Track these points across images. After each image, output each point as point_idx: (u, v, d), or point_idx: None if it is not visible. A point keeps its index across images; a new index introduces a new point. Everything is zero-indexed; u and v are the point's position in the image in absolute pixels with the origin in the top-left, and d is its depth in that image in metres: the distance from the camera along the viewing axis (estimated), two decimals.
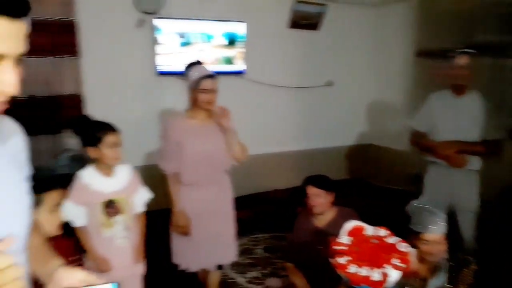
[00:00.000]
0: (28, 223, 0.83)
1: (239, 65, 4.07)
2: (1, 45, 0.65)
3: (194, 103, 2.25)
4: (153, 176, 2.37)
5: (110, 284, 0.79)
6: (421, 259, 1.78)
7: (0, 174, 0.76)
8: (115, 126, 1.90)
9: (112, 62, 3.57)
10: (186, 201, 2.29)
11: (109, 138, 1.86)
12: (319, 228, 2.26)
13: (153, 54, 3.69)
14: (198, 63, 2.30)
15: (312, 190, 2.24)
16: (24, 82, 0.72)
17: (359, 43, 4.87)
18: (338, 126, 4.92)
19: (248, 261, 3.21)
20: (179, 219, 2.26)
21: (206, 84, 2.18)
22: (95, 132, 1.85)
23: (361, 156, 5.02)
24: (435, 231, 1.76)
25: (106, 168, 1.90)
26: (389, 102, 4.83)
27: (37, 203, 1.47)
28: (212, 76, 2.22)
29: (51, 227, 1.60)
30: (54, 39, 3.21)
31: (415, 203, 1.92)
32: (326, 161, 4.54)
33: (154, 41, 3.65)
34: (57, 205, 1.63)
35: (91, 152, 1.86)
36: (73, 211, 1.81)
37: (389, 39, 4.74)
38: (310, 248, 2.19)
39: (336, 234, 1.60)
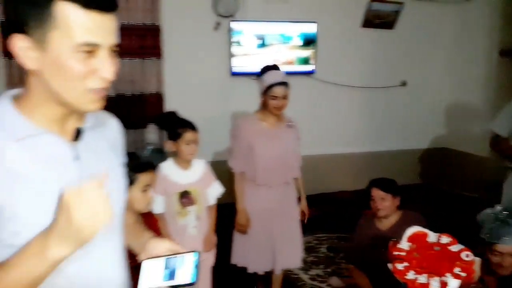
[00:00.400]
0: (124, 202, 0.97)
1: (309, 65, 4.12)
2: (95, 36, 0.73)
3: (265, 107, 2.31)
4: (219, 172, 2.45)
5: (192, 252, 0.90)
6: (490, 271, 1.72)
7: (101, 158, 0.91)
8: (195, 125, 2.08)
9: (189, 63, 3.81)
10: (252, 201, 2.36)
11: (187, 135, 2.05)
12: (381, 231, 2.26)
13: (228, 55, 3.88)
14: (274, 67, 2.35)
15: (377, 193, 2.25)
16: (114, 81, 0.79)
17: (437, 42, 4.65)
18: (411, 128, 4.76)
19: (311, 258, 3.27)
20: (241, 218, 2.34)
21: (278, 91, 2.23)
22: (176, 128, 2.05)
23: (435, 160, 4.80)
24: (508, 243, 1.69)
25: (183, 162, 2.10)
26: (468, 104, 4.56)
27: (131, 182, 1.52)
28: (285, 83, 2.26)
29: (142, 205, 1.72)
30: (141, 42, 3.54)
31: (488, 211, 1.85)
32: (397, 164, 4.42)
33: (230, 43, 3.84)
34: (148, 185, 1.75)
35: (171, 146, 2.07)
36: (154, 199, 2.03)
37: (471, 38, 4.46)
38: (371, 251, 2.20)
39: (397, 239, 1.61)
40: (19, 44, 0.73)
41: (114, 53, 0.78)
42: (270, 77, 2.26)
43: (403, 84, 4.62)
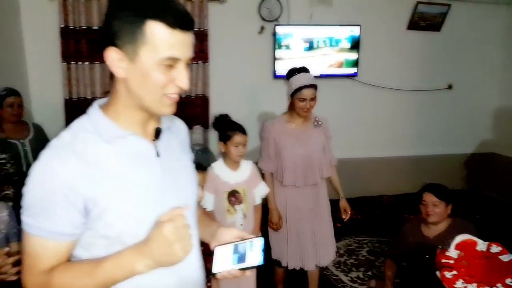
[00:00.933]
0: (197, 196, 1.09)
1: (352, 68, 4.12)
2: (177, 51, 0.84)
3: (292, 108, 2.34)
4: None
5: (259, 237, 0.99)
6: None
7: (176, 155, 1.02)
8: (244, 128, 2.17)
9: (234, 66, 3.91)
10: (282, 201, 2.41)
11: (236, 138, 2.14)
12: (427, 238, 2.24)
13: (272, 58, 3.94)
14: (302, 70, 2.35)
15: (430, 198, 2.20)
16: None
17: (485, 44, 4.51)
18: (457, 132, 4.64)
19: (352, 261, 3.29)
20: (273, 216, 2.39)
21: (306, 93, 2.24)
22: (227, 130, 2.15)
23: (482, 165, 4.65)
24: None
25: (232, 163, 2.20)
26: None
27: None
28: (313, 86, 2.26)
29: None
30: None
31: None
32: (441, 169, 4.34)
33: (274, 46, 3.90)
34: (200, 184, 1.87)
35: (221, 146, 2.17)
36: (206, 197, 2.14)
37: None
38: (415, 256, 2.19)
39: (444, 246, 1.61)
40: (113, 55, 0.86)
41: (187, 65, 0.89)
42: (298, 80, 2.28)
43: (449, 87, 4.52)
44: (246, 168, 2.24)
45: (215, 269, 0.96)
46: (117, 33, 0.84)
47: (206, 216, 1.22)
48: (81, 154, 0.86)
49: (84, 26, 3.43)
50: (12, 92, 2.69)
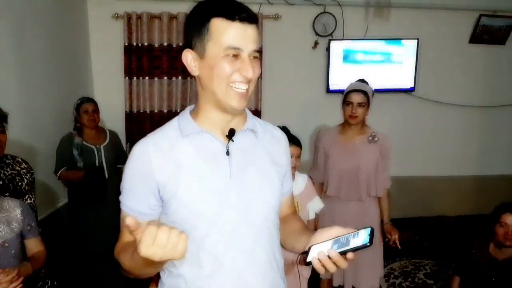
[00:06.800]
0: (277, 202, 1.08)
1: (408, 82, 3.99)
2: (237, 41, 0.92)
3: (343, 118, 2.31)
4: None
5: (365, 229, 0.86)
6: None
7: (249, 157, 1.04)
8: (299, 140, 2.16)
9: (287, 80, 3.93)
10: (326, 212, 2.32)
11: (290, 150, 2.11)
12: (496, 260, 2.10)
13: (326, 73, 3.92)
14: (360, 80, 2.33)
15: (510, 220, 2.06)
16: None
17: None
18: None
19: (407, 284, 3.12)
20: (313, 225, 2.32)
21: (353, 97, 2.21)
22: None
23: None
24: None
25: None
26: None
27: None
28: (361, 91, 2.20)
29: None
30: None
31: None
32: (507, 191, 4.04)
33: (328, 61, 3.89)
34: None
35: None
36: None
37: None
38: (482, 278, 2.05)
39: None
40: (187, 56, 0.98)
41: (254, 59, 0.96)
42: (350, 86, 2.29)
43: None
44: (301, 181, 2.21)
45: (310, 257, 0.89)
46: (190, 36, 0.97)
47: (307, 229, 1.12)
48: (159, 145, 0.99)
49: (146, 44, 3.62)
50: (87, 99, 2.91)
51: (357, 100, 2.21)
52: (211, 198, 0.97)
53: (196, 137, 1.01)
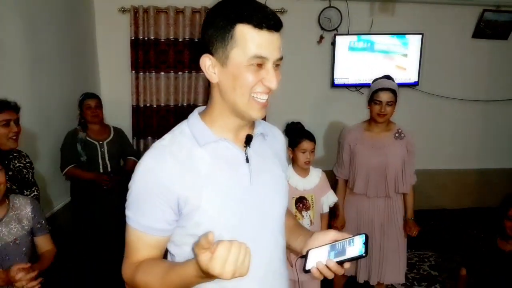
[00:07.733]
0: (285, 206, 1.08)
1: (412, 76, 4.03)
2: (263, 50, 0.86)
3: (371, 116, 2.31)
4: None
5: (360, 235, 0.91)
6: None
7: (266, 162, 1.03)
8: (313, 135, 2.20)
9: (292, 75, 3.91)
10: (353, 210, 2.38)
11: (303, 144, 2.17)
12: (503, 252, 2.15)
13: (331, 68, 3.95)
14: (385, 76, 2.34)
15: None
16: None
17: None
18: None
19: (413, 275, 3.18)
20: (338, 222, 2.38)
21: (382, 96, 2.20)
22: (295, 137, 2.18)
23: None
24: None
25: (301, 169, 2.22)
26: None
27: None
28: (390, 89, 2.21)
29: None
30: None
31: None
32: (509, 183, 4.11)
33: (333, 56, 3.91)
34: None
35: (289, 153, 2.21)
36: None
37: None
38: (489, 270, 2.10)
39: None
40: (206, 62, 0.91)
41: (277, 67, 0.91)
42: (377, 84, 2.26)
43: None
44: (316, 175, 2.25)
45: (308, 265, 0.93)
46: (211, 40, 0.89)
47: (299, 226, 1.18)
48: (176, 155, 0.91)
49: (152, 38, 3.62)
50: (89, 95, 2.90)
51: (386, 99, 2.20)
52: (234, 208, 0.93)
53: (213, 146, 0.95)
